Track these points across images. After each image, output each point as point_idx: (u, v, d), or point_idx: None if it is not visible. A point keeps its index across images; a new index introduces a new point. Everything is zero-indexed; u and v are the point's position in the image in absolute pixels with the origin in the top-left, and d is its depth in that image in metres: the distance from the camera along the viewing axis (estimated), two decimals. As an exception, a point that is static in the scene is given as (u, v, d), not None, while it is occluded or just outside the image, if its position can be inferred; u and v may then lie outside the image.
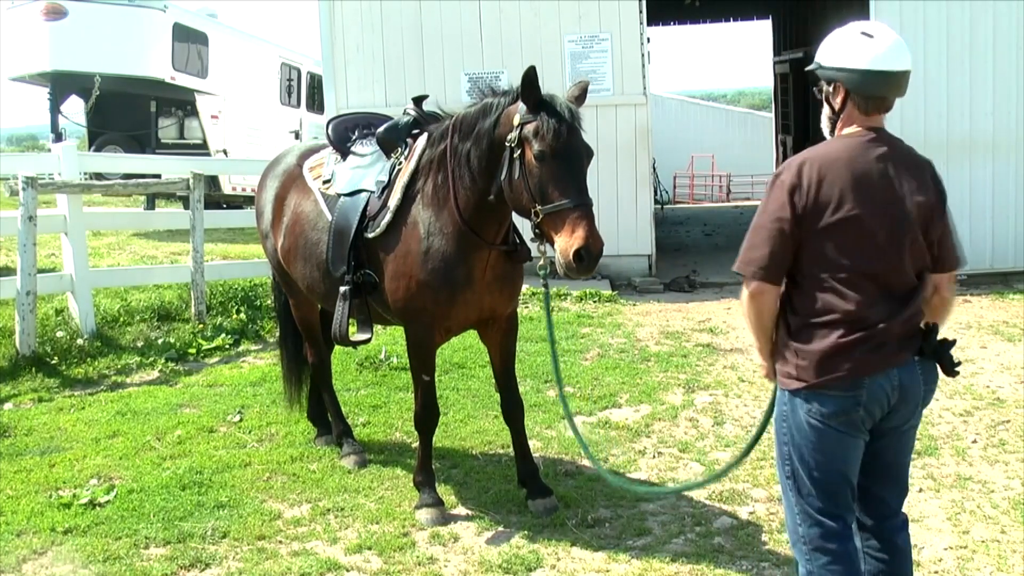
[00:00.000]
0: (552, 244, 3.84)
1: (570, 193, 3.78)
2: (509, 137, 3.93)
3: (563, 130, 3.80)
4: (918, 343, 2.82)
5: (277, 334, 6.20)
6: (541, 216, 3.83)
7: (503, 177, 3.97)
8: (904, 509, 3.07)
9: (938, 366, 2.86)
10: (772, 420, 3.02)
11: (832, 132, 2.94)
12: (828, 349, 2.76)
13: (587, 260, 3.72)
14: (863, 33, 2.82)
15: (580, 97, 4.03)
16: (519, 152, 3.88)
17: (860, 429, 2.83)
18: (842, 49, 2.83)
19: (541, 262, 4.00)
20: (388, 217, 4.40)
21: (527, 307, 9.00)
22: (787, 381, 2.86)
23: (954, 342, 2.86)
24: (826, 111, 2.94)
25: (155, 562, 4.09)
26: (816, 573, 2.91)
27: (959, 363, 2.88)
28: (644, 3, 10.63)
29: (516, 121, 3.91)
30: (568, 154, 3.83)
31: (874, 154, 2.80)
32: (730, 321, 8.56)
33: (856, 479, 2.92)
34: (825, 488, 2.87)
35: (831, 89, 2.88)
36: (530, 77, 3.83)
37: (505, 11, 10.70)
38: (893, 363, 2.78)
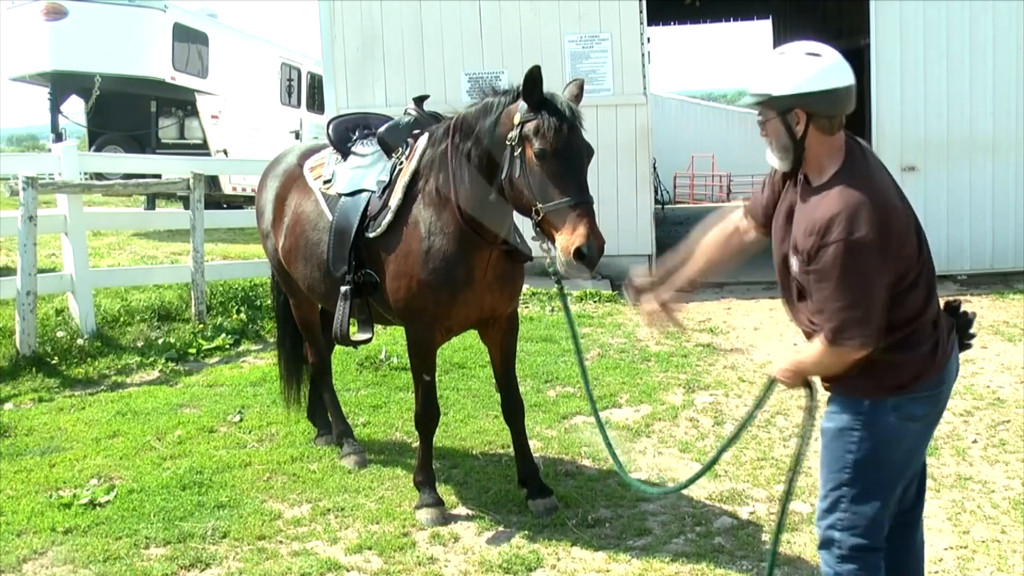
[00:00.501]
0: (553, 242, 3.84)
1: (571, 191, 3.78)
2: (510, 136, 3.93)
3: (564, 128, 3.80)
4: (953, 325, 2.88)
5: (276, 334, 6.19)
6: (542, 214, 3.82)
7: (504, 176, 3.97)
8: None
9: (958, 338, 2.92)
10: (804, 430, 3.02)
11: (794, 163, 2.80)
12: (919, 353, 2.78)
13: (588, 257, 3.71)
14: (809, 54, 2.72)
15: (578, 95, 4.03)
16: (520, 150, 3.88)
17: (935, 425, 2.93)
18: (794, 73, 2.70)
19: (548, 260, 3.99)
20: (389, 217, 4.40)
21: (527, 307, 9.00)
22: (875, 392, 2.80)
23: (975, 315, 2.93)
24: (782, 143, 2.78)
25: (155, 562, 4.09)
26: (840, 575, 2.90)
27: (974, 334, 2.95)
28: (644, 3, 10.63)
29: (517, 120, 3.91)
30: (569, 152, 3.83)
31: (877, 166, 2.80)
32: (730, 321, 8.56)
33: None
34: (890, 495, 2.86)
35: (788, 118, 2.73)
36: (533, 76, 3.83)
37: (505, 11, 10.70)
38: (952, 348, 2.86)
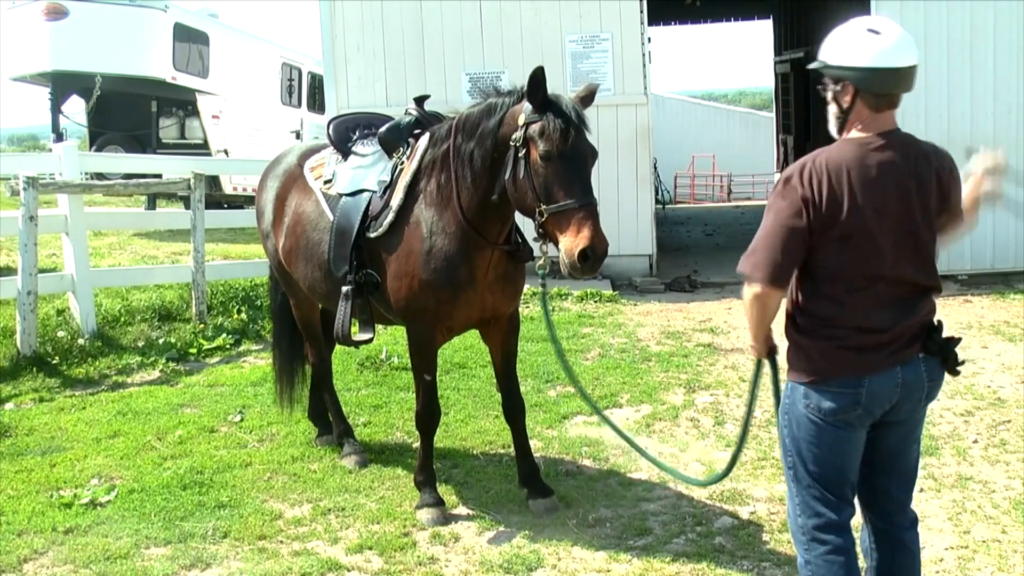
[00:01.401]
0: (556, 244, 3.85)
1: (575, 193, 3.78)
2: (514, 137, 3.93)
3: (569, 130, 3.81)
4: (923, 341, 2.84)
5: (272, 334, 6.18)
6: (546, 216, 3.83)
7: (507, 177, 3.97)
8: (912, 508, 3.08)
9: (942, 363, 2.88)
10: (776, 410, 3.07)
11: (840, 131, 2.89)
12: (832, 350, 2.80)
13: (592, 260, 3.72)
14: (869, 30, 2.77)
15: (587, 99, 4.04)
16: (524, 152, 3.89)
17: (857, 426, 2.86)
18: (849, 47, 2.77)
19: (540, 262, 4.01)
20: (390, 217, 4.40)
21: (527, 307, 9.00)
22: (792, 373, 2.91)
23: (959, 340, 2.88)
24: (833, 110, 2.88)
25: (156, 562, 4.09)
26: (813, 563, 2.93)
27: (963, 361, 2.90)
28: (645, 3, 10.63)
29: (521, 121, 3.92)
30: (574, 154, 3.83)
31: (883, 159, 2.78)
32: (731, 321, 8.56)
33: (855, 473, 2.94)
34: (822, 480, 2.89)
35: (839, 88, 2.82)
36: (537, 77, 3.83)
37: (506, 11, 10.70)
38: (897, 362, 2.79)
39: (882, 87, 2.77)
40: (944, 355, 2.85)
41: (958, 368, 2.88)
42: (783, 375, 3.01)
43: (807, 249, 2.78)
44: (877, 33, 2.76)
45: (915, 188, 2.79)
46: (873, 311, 2.78)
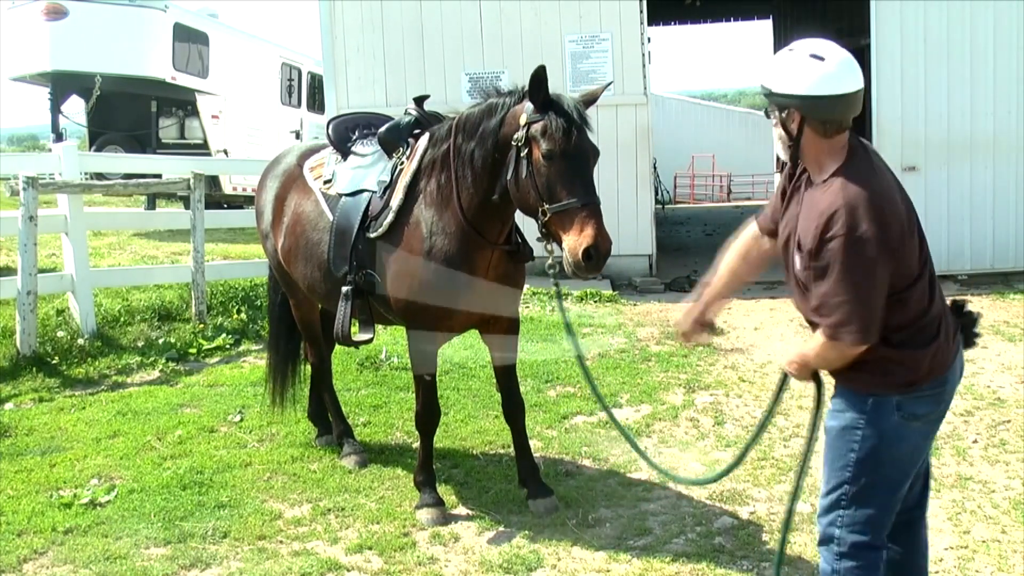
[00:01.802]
0: (560, 243, 3.84)
1: (578, 192, 3.78)
2: (516, 136, 3.93)
3: (572, 129, 3.81)
4: (958, 323, 2.90)
5: (269, 334, 6.17)
6: (548, 215, 3.83)
7: (509, 176, 3.97)
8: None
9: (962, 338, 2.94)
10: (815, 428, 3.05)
11: (793, 158, 2.84)
12: (926, 351, 2.78)
13: (595, 259, 3.72)
14: (812, 55, 2.73)
15: (591, 100, 4.04)
16: (526, 151, 3.89)
17: (938, 424, 2.93)
18: (792, 73, 2.73)
19: (550, 262, 3.99)
20: (390, 217, 4.39)
21: (527, 307, 9.00)
22: (880, 388, 2.82)
23: (980, 315, 2.96)
24: (782, 135, 2.83)
25: (156, 562, 4.09)
26: (840, 572, 2.91)
27: (979, 334, 2.98)
28: (645, 3, 10.64)
29: (523, 120, 3.92)
30: (576, 153, 3.83)
31: (881, 166, 2.81)
32: (731, 321, 8.56)
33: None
34: (893, 494, 2.89)
35: (784, 115, 2.78)
36: (539, 76, 3.83)
37: (506, 11, 10.70)
38: (957, 348, 2.87)
39: (828, 113, 2.71)
40: (967, 330, 2.90)
41: (975, 340, 2.94)
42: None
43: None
44: (820, 59, 2.71)
45: (897, 182, 2.87)
46: (931, 304, 2.81)
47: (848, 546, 2.88)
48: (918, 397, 2.80)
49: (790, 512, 3.16)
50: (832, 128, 2.75)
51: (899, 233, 2.70)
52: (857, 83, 2.72)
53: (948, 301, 2.93)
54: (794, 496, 3.15)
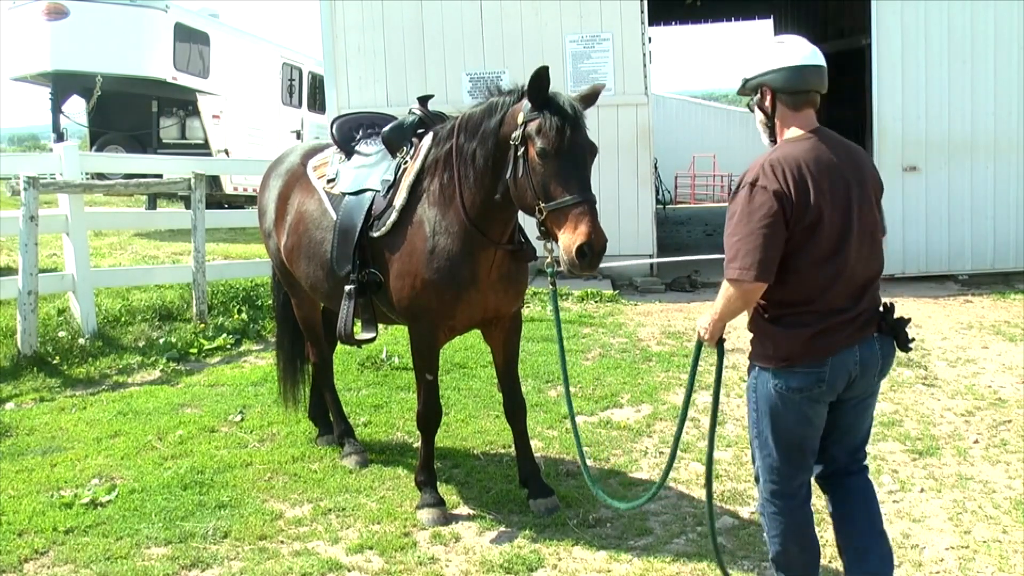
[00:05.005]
0: (556, 241, 3.84)
1: (573, 189, 3.78)
2: (514, 135, 3.93)
3: (566, 127, 3.81)
4: (877, 321, 3.12)
5: (275, 334, 6.19)
6: (545, 213, 3.83)
7: (508, 175, 3.97)
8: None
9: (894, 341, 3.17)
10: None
11: (771, 139, 3.20)
12: (799, 337, 3.04)
13: (590, 256, 3.71)
14: (777, 42, 3.18)
15: (589, 99, 4.03)
16: (523, 150, 3.89)
17: (821, 401, 3.12)
18: (761, 58, 3.13)
19: (548, 260, 4.00)
20: (394, 216, 4.39)
21: (529, 307, 9.00)
22: (759, 359, 3.17)
23: (909, 320, 3.18)
24: (761, 118, 3.20)
25: (156, 562, 4.09)
26: (766, 514, 3.26)
27: (912, 339, 3.22)
28: (645, 3, 10.64)
29: (520, 119, 3.92)
30: (571, 151, 3.83)
31: (825, 152, 3.05)
32: (731, 321, 8.55)
33: (817, 443, 3.22)
34: (786, 450, 3.17)
35: (759, 96, 3.16)
36: (540, 76, 3.82)
37: (506, 11, 10.71)
38: (855, 341, 3.06)
39: (795, 84, 3.07)
40: (896, 334, 3.13)
41: (909, 345, 3.17)
42: (741, 357, 3.26)
43: (784, 241, 2.99)
44: (783, 43, 3.15)
45: (857, 177, 3.08)
46: (836, 295, 3.03)
47: (766, 489, 3.25)
48: (793, 372, 3.06)
49: (710, 462, 3.52)
50: (801, 101, 3.10)
51: (802, 192, 2.95)
52: (816, 59, 3.09)
53: (885, 301, 3.16)
54: (709, 458, 3.52)
